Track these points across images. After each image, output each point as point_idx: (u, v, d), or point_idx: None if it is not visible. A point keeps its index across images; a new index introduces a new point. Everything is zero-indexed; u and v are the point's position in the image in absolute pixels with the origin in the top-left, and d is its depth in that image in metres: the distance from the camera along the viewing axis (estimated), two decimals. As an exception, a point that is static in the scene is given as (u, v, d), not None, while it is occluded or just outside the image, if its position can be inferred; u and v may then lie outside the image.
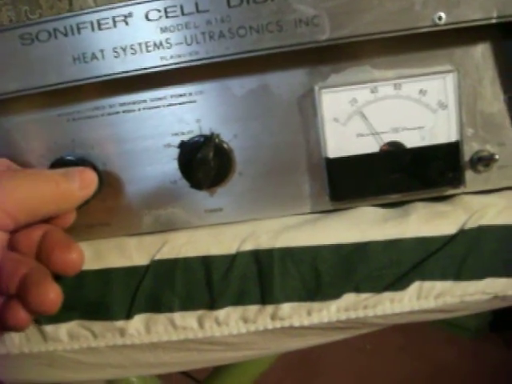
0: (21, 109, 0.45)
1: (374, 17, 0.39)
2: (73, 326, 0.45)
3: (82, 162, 0.45)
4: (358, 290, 0.43)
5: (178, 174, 0.45)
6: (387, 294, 0.43)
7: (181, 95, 0.44)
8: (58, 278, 0.45)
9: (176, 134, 0.44)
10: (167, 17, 0.39)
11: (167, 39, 0.40)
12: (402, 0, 0.39)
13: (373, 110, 0.43)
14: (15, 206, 0.37)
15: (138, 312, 0.45)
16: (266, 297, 0.44)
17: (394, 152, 0.44)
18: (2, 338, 0.46)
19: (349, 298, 0.44)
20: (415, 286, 0.43)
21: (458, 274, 0.43)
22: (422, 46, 0.42)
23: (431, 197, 0.46)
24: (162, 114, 0.44)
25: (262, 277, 0.44)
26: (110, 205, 0.46)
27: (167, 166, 0.45)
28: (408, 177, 0.44)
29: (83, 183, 0.41)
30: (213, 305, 0.44)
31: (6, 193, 0.37)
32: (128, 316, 0.45)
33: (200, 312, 0.44)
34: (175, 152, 0.44)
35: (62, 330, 0.45)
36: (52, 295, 0.37)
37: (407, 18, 0.39)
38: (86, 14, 0.40)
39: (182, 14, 0.39)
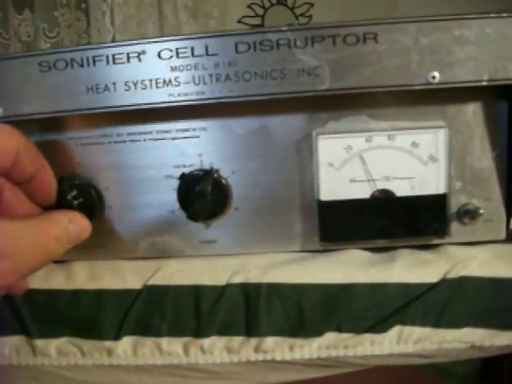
0: (32, 131, 0.47)
1: (373, 72, 0.42)
2: (63, 342, 0.47)
3: (85, 184, 0.47)
4: (339, 329, 0.45)
5: (177, 204, 0.47)
6: (368, 336, 0.45)
7: (185, 130, 0.46)
8: (53, 294, 0.47)
9: (178, 166, 0.46)
10: (178, 57, 0.42)
11: (176, 78, 0.42)
12: (399, 58, 0.41)
13: (366, 158, 0.45)
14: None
15: (127, 334, 0.46)
16: (251, 329, 0.45)
17: (384, 199, 0.46)
18: None
19: (330, 336, 0.45)
20: (396, 330, 0.45)
21: (438, 321, 0.45)
22: (416, 101, 0.45)
23: (417, 244, 0.48)
24: (166, 146, 0.46)
25: (248, 309, 0.45)
26: (108, 228, 0.48)
27: (167, 195, 0.47)
28: (396, 224, 0.46)
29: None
30: (199, 333, 0.45)
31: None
32: (117, 337, 0.46)
33: (186, 339, 0.46)
34: (175, 183, 0.46)
35: (52, 345, 0.47)
36: None
37: (403, 75, 0.42)
38: (103, 48, 0.43)
39: (192, 55, 0.42)
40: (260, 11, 1.74)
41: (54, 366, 0.48)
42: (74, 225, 0.38)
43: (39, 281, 0.47)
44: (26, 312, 0.47)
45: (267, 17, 1.76)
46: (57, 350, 0.47)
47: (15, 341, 0.47)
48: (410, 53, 0.41)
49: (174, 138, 0.46)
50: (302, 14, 1.81)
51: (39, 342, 0.47)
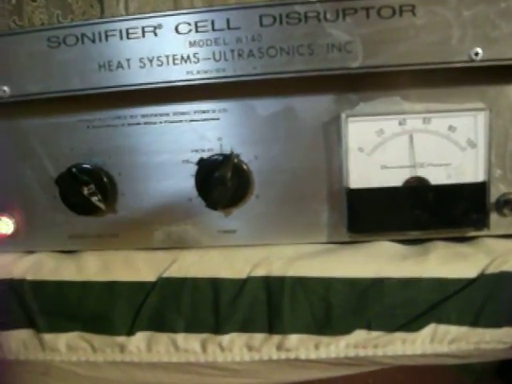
0: (40, 112, 0.44)
1: (409, 48, 0.38)
2: (73, 337, 0.44)
3: (97, 170, 0.44)
4: (369, 327, 0.42)
5: (194, 191, 0.44)
6: (399, 335, 0.42)
7: (204, 111, 0.43)
8: (63, 286, 0.44)
9: (196, 151, 0.43)
10: (197, 31, 0.39)
11: (195, 54, 0.39)
12: (438, 33, 0.38)
13: (399, 143, 0.42)
14: None
15: (141, 329, 0.43)
16: (273, 325, 0.42)
17: (417, 187, 0.42)
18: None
19: (359, 334, 0.42)
20: (429, 329, 0.42)
21: (475, 320, 0.41)
22: (455, 81, 0.41)
23: (452, 237, 0.44)
24: (183, 128, 0.43)
25: (271, 304, 0.42)
26: (120, 216, 0.45)
27: (183, 182, 0.44)
28: (430, 214, 0.43)
29: None
30: (218, 329, 0.43)
31: None
32: (130, 332, 0.43)
33: (204, 335, 0.43)
34: (193, 169, 0.43)
35: (62, 340, 0.44)
36: None
37: (443, 52, 0.38)
38: (116, 21, 0.39)
39: (213, 29, 0.39)
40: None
41: (64, 362, 0.45)
42: None
43: (48, 272, 0.45)
44: (34, 305, 0.44)
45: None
46: (66, 345, 0.44)
47: (23, 335, 0.45)
48: (451, 27, 0.38)
49: (191, 120, 0.43)
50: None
51: (48, 337, 0.44)
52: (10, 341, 0.45)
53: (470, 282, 0.41)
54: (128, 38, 0.39)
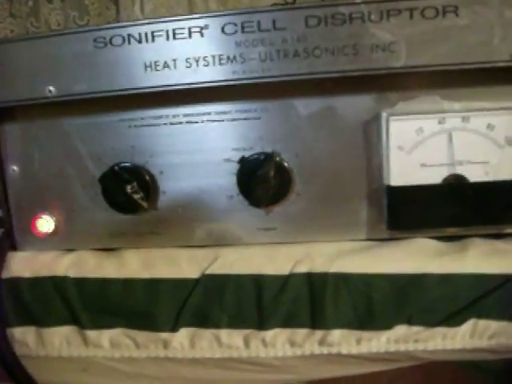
0: (83, 111, 0.45)
1: (451, 48, 0.39)
2: (116, 333, 0.45)
3: (139, 168, 0.44)
4: (410, 322, 0.42)
5: (235, 189, 0.44)
6: (440, 330, 0.42)
7: (246, 111, 0.43)
8: (105, 283, 0.45)
9: (237, 149, 0.44)
10: (243, 31, 0.39)
11: (241, 54, 0.40)
12: (481, 33, 0.38)
13: (438, 141, 0.42)
14: None
15: (184, 325, 0.44)
16: (316, 321, 0.43)
17: (456, 185, 0.43)
18: (42, 339, 0.45)
19: (400, 329, 0.42)
20: (470, 324, 0.42)
21: None
22: (493, 79, 0.42)
23: (490, 233, 0.45)
24: (224, 127, 0.44)
25: (313, 300, 0.43)
26: (162, 214, 0.46)
27: (225, 180, 0.44)
28: (468, 211, 0.43)
29: None
30: (261, 325, 0.43)
31: None
32: (173, 328, 0.44)
33: (247, 331, 0.43)
34: (234, 167, 0.44)
35: (105, 336, 0.45)
36: None
37: (485, 52, 0.39)
38: (163, 22, 0.40)
39: (259, 30, 0.39)
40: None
41: (105, 358, 0.46)
42: None
43: (91, 269, 0.45)
44: (76, 301, 0.45)
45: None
46: (110, 342, 0.45)
47: (66, 331, 0.45)
48: (493, 27, 0.38)
49: (233, 120, 0.44)
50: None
51: (91, 333, 0.45)
52: (53, 337, 0.45)
53: (509, 278, 0.42)
54: (174, 38, 0.40)
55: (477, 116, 0.42)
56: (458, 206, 0.43)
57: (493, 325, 0.42)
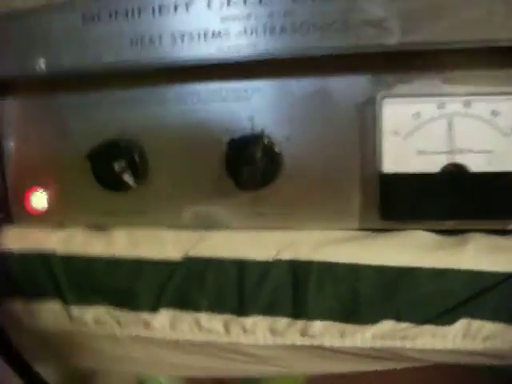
0: (74, 88, 0.45)
1: (450, 24, 0.36)
2: (100, 312, 0.45)
3: (128, 146, 0.44)
4: (398, 317, 0.40)
5: (224, 171, 0.43)
6: (429, 327, 0.40)
7: (236, 90, 0.42)
8: (91, 261, 0.45)
9: (227, 130, 0.43)
10: (229, 5, 0.38)
11: (227, 29, 0.38)
12: (481, 8, 0.35)
13: (437, 127, 0.40)
14: None
15: (165, 306, 0.43)
16: (298, 311, 0.41)
17: (456, 174, 0.40)
18: (30, 312, 0.46)
19: (387, 324, 0.40)
20: (462, 323, 0.39)
21: None
22: (499, 62, 0.39)
23: (491, 229, 0.42)
24: (214, 107, 0.43)
25: (296, 289, 0.41)
26: (150, 193, 0.45)
27: (213, 161, 0.43)
28: (468, 203, 0.40)
29: None
30: (241, 310, 0.42)
31: None
32: (154, 308, 0.43)
33: (227, 316, 0.42)
34: (223, 148, 0.43)
35: (89, 313, 0.45)
36: None
37: (486, 29, 0.36)
38: (148, -4, 0.39)
39: (244, 3, 0.38)
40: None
41: (90, 337, 0.46)
42: None
43: (78, 247, 0.45)
44: (63, 278, 0.45)
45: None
46: (94, 319, 0.45)
47: (51, 306, 0.45)
48: (495, 2, 0.35)
49: (222, 99, 0.42)
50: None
51: (76, 309, 0.45)
52: (40, 312, 0.46)
53: (509, 277, 0.39)
54: (160, 13, 0.39)
55: (480, 101, 0.39)
56: (457, 198, 0.40)
57: (488, 326, 0.39)
